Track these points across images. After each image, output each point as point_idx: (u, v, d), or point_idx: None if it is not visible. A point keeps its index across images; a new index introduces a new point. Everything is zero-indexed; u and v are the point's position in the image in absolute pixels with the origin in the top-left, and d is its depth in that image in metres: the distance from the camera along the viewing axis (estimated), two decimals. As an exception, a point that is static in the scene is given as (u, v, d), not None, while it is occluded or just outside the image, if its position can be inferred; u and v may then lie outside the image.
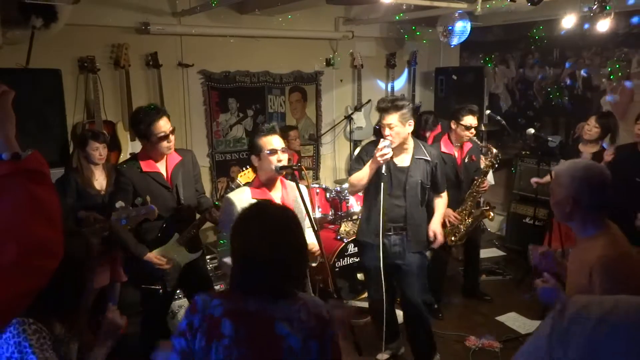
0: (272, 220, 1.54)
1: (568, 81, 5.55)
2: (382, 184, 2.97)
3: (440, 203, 3.42)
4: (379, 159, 2.90)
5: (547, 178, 4.19)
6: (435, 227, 3.30)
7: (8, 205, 1.02)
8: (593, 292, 1.84)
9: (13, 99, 1.10)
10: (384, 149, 2.89)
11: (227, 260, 2.47)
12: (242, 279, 1.50)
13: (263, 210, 1.59)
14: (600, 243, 1.90)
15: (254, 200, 2.52)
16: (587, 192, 1.88)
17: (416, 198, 3.15)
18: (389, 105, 2.96)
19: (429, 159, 3.16)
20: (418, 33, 5.94)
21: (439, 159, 3.31)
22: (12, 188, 1.03)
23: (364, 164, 3.07)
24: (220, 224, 2.67)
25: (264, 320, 1.44)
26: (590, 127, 3.98)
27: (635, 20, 4.62)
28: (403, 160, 3.14)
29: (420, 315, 3.31)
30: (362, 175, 3.05)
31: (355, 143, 6.11)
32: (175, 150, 3.05)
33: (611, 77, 4.93)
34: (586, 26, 3.70)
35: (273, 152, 2.51)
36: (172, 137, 2.89)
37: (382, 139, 2.96)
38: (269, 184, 2.62)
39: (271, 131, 2.57)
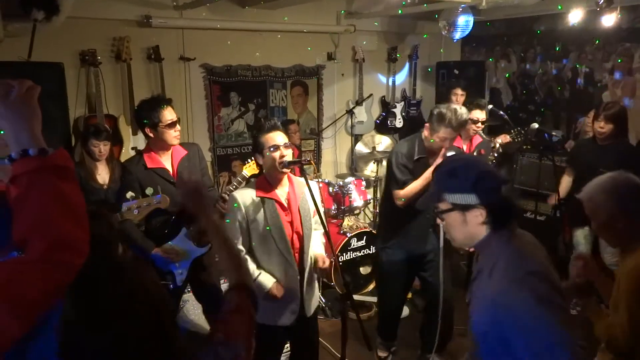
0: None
1: (570, 75, 5.55)
2: None
3: None
4: None
5: None
6: None
7: (35, 201, 1.02)
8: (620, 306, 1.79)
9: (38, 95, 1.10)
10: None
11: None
12: None
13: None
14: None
15: (259, 199, 2.51)
16: (631, 198, 1.83)
17: None
18: (461, 123, 2.97)
19: None
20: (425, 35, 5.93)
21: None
22: (39, 184, 1.03)
23: (410, 172, 3.09)
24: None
25: None
26: (602, 125, 3.85)
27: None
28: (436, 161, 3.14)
29: (450, 304, 3.39)
30: (420, 184, 3.01)
31: (357, 137, 6.10)
32: (181, 144, 3.05)
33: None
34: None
35: (275, 148, 2.48)
36: (178, 127, 2.89)
37: (447, 151, 2.97)
38: (274, 182, 2.58)
39: (273, 128, 2.54)
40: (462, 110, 2.95)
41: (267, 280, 2.53)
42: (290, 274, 2.58)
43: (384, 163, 5.44)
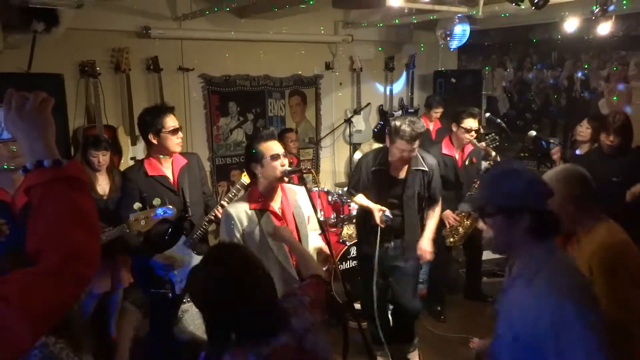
0: (234, 267, 1.52)
1: (566, 83, 5.59)
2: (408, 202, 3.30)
3: (432, 218, 3.49)
4: (380, 224, 3.17)
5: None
6: (425, 245, 3.38)
7: (50, 212, 1.03)
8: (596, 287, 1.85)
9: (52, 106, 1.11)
10: (384, 223, 3.16)
11: None
12: (244, 326, 1.49)
13: (221, 260, 1.56)
14: (599, 233, 2.00)
15: (252, 212, 2.48)
16: (578, 185, 2.00)
17: (413, 208, 3.30)
18: (419, 134, 3.05)
19: (425, 169, 3.28)
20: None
21: (436, 169, 3.39)
22: (53, 195, 1.04)
23: (364, 178, 3.31)
24: (222, 230, 2.65)
25: (296, 346, 1.52)
26: (583, 129, 4.00)
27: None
28: (401, 172, 3.28)
29: (411, 314, 3.58)
30: (363, 204, 3.32)
31: (355, 146, 6.13)
32: (181, 153, 3.05)
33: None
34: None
35: (275, 157, 2.42)
36: (180, 134, 2.91)
37: (382, 212, 3.16)
38: (268, 194, 2.52)
39: (271, 136, 2.49)
40: (419, 124, 3.04)
41: None
42: (291, 284, 2.57)
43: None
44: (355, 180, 3.37)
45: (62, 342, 1.48)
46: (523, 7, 2.67)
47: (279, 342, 1.48)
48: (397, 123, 3.04)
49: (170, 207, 2.69)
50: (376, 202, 3.24)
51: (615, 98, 5.06)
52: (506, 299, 1.63)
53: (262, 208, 2.50)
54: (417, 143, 3.06)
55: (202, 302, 1.51)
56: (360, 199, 3.32)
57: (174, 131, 2.89)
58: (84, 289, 1.05)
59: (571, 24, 3.80)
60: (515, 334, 1.51)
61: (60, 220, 1.03)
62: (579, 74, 5.44)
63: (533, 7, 2.68)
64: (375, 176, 3.28)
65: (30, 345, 0.97)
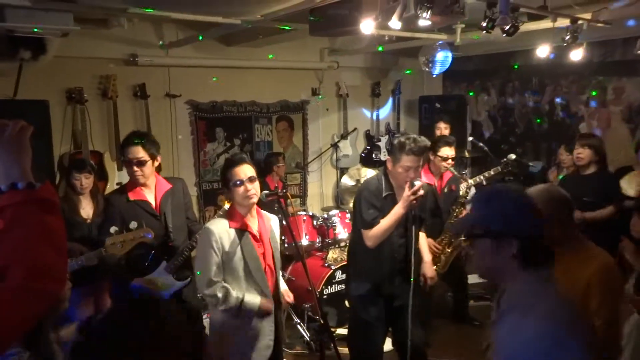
0: None
1: (547, 108, 5.71)
2: (412, 227, 2.89)
3: (423, 239, 3.34)
4: (412, 199, 2.76)
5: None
6: (427, 270, 3.22)
7: (20, 231, 1.08)
8: (589, 306, 1.86)
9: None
10: (419, 190, 2.77)
11: (207, 291, 2.48)
12: None
13: None
14: (593, 252, 1.98)
15: (232, 230, 2.52)
16: (560, 207, 1.96)
17: (417, 234, 3.03)
18: (424, 147, 2.86)
19: (422, 193, 3.01)
20: (408, 71, 6.13)
21: (429, 190, 3.21)
22: (25, 215, 1.10)
23: (379, 210, 2.90)
24: (197, 253, 2.66)
25: None
26: (563, 156, 4.05)
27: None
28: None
29: (424, 354, 3.19)
30: (390, 222, 2.84)
31: (342, 171, 6.18)
32: (166, 178, 3.10)
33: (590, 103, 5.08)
34: (552, 56, 3.83)
35: (240, 183, 2.47)
36: (142, 167, 2.87)
37: (411, 181, 2.81)
38: (246, 214, 2.58)
39: (240, 161, 2.53)
40: (422, 138, 2.90)
41: (253, 298, 2.52)
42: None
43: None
44: (373, 217, 2.91)
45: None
46: (491, 33, 2.75)
47: None
48: (401, 139, 2.87)
49: (148, 230, 2.69)
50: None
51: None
52: (500, 333, 1.49)
53: (241, 228, 2.54)
54: (421, 160, 2.89)
55: None
56: (379, 226, 2.89)
57: (129, 163, 2.88)
58: (51, 304, 1.10)
59: (543, 51, 3.92)
60: None
61: (28, 238, 1.08)
62: (559, 99, 5.56)
63: (504, 34, 2.78)
64: (384, 204, 2.95)
65: None
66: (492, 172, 4.27)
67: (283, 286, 2.79)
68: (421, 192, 2.78)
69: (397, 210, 2.82)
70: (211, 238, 2.48)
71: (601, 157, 3.80)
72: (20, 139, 1.16)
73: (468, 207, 4.08)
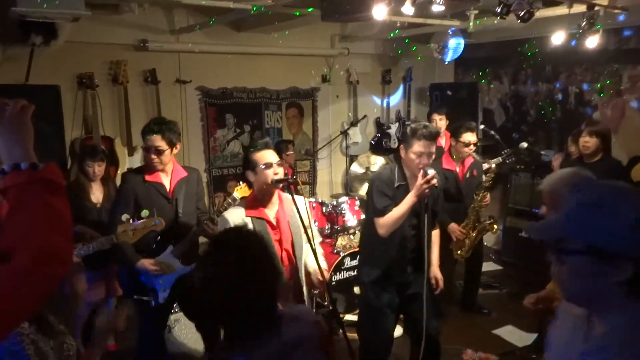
0: (233, 257, 1.44)
1: (560, 96, 5.63)
2: (424, 215, 2.84)
3: (436, 245, 3.24)
4: (425, 188, 2.71)
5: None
6: (437, 273, 3.15)
7: (24, 213, 1.07)
8: None
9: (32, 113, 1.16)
10: (433, 179, 2.71)
11: None
12: (233, 323, 1.44)
13: (224, 246, 1.51)
14: None
15: (249, 219, 2.54)
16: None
17: (430, 225, 2.99)
18: (435, 132, 2.81)
19: (436, 184, 2.96)
20: (414, 48, 6.05)
21: (441, 183, 3.12)
22: (28, 196, 1.08)
23: (391, 199, 2.88)
24: None
25: (287, 355, 1.42)
26: (587, 140, 3.91)
27: (626, 33, 4.70)
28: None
29: (438, 343, 3.17)
30: (403, 210, 2.79)
31: (352, 158, 6.17)
32: (183, 167, 3.13)
33: (601, 94, 5.00)
34: (573, 43, 3.75)
35: (269, 165, 2.51)
36: (160, 155, 2.89)
37: (425, 170, 2.75)
38: (264, 201, 2.59)
39: (265, 146, 2.59)
40: (433, 125, 2.90)
41: None
42: (287, 296, 2.58)
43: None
44: (385, 205, 2.90)
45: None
46: (506, 19, 2.71)
47: (265, 351, 1.42)
48: (412, 126, 2.86)
49: (158, 219, 2.71)
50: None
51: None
52: None
53: (258, 216, 2.55)
54: (434, 146, 2.85)
55: (207, 289, 1.42)
56: (391, 214, 2.87)
57: (146, 149, 2.93)
58: (56, 286, 1.09)
59: (558, 38, 3.85)
60: None
61: (33, 220, 1.07)
62: (572, 88, 5.48)
63: (519, 21, 2.73)
64: (396, 193, 2.93)
65: (1, 338, 1.01)
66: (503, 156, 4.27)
67: (313, 266, 2.63)
68: (434, 181, 2.73)
69: (410, 199, 2.79)
70: (225, 226, 2.49)
71: (607, 145, 3.74)
72: (21, 118, 1.13)
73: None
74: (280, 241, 2.60)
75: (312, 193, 6.02)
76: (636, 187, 1.79)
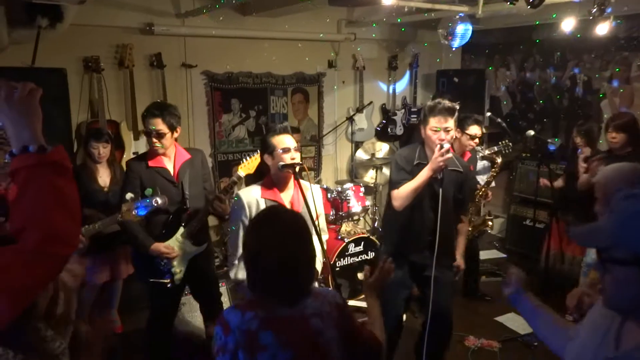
0: (287, 224, 1.60)
1: (569, 84, 5.58)
2: (439, 190, 2.82)
3: (462, 235, 3.26)
4: (440, 161, 2.70)
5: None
6: (460, 261, 3.17)
7: (32, 195, 1.09)
8: None
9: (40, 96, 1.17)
10: (448, 153, 2.71)
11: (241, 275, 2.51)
12: (266, 284, 1.54)
13: (276, 215, 1.65)
14: None
15: (262, 200, 2.56)
16: None
17: (449, 210, 2.96)
18: (449, 107, 2.79)
19: (461, 170, 3.01)
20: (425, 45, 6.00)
21: (469, 172, 3.14)
22: (37, 178, 1.10)
23: (408, 173, 2.88)
24: (230, 216, 2.72)
25: (299, 320, 1.52)
26: (614, 136, 3.68)
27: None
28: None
29: (450, 326, 3.19)
30: (418, 183, 2.80)
31: (357, 144, 6.16)
32: (186, 149, 3.14)
33: (610, 82, 4.94)
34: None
35: (286, 150, 2.55)
36: (160, 139, 2.91)
37: (441, 144, 2.74)
38: (280, 184, 2.63)
39: (284, 130, 2.63)
40: (452, 103, 2.83)
41: None
42: None
43: (384, 170, 5.49)
44: (401, 178, 2.92)
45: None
46: (515, 5, 2.67)
47: (283, 313, 1.52)
48: (429, 103, 2.86)
49: (161, 197, 2.74)
50: (414, 201, 2.89)
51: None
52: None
53: (272, 199, 2.59)
54: (452, 122, 2.80)
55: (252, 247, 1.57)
56: (406, 186, 2.87)
57: (147, 133, 2.96)
58: (62, 267, 1.11)
59: (568, 24, 3.80)
60: None
61: (41, 202, 1.09)
62: (581, 75, 5.42)
63: (529, 7, 2.70)
64: (414, 171, 2.92)
65: (9, 319, 1.03)
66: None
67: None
68: (449, 155, 2.72)
69: (425, 172, 2.78)
70: (240, 213, 2.56)
71: (635, 138, 3.61)
72: (29, 101, 1.15)
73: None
74: None
75: (317, 178, 6.02)
76: None
